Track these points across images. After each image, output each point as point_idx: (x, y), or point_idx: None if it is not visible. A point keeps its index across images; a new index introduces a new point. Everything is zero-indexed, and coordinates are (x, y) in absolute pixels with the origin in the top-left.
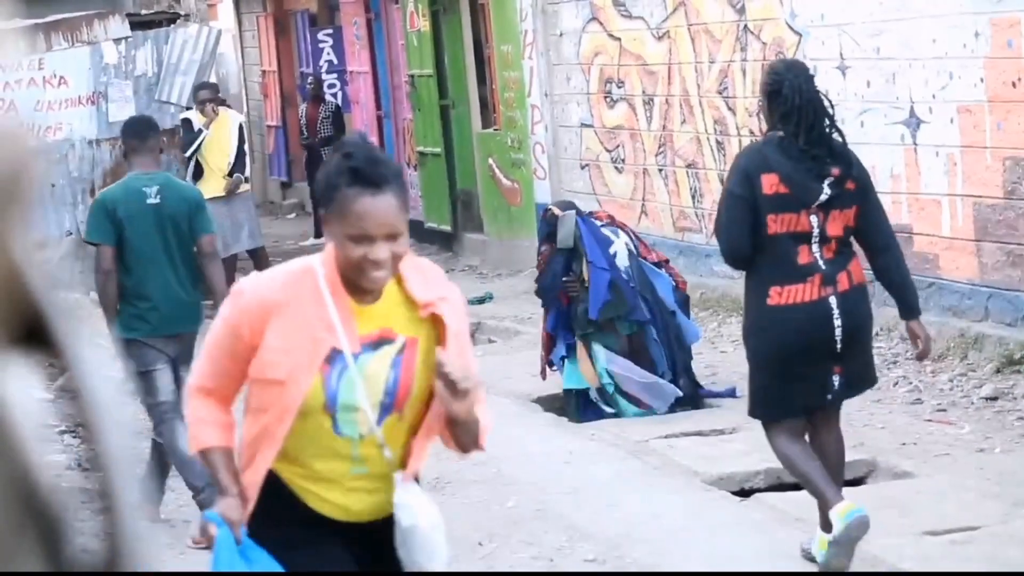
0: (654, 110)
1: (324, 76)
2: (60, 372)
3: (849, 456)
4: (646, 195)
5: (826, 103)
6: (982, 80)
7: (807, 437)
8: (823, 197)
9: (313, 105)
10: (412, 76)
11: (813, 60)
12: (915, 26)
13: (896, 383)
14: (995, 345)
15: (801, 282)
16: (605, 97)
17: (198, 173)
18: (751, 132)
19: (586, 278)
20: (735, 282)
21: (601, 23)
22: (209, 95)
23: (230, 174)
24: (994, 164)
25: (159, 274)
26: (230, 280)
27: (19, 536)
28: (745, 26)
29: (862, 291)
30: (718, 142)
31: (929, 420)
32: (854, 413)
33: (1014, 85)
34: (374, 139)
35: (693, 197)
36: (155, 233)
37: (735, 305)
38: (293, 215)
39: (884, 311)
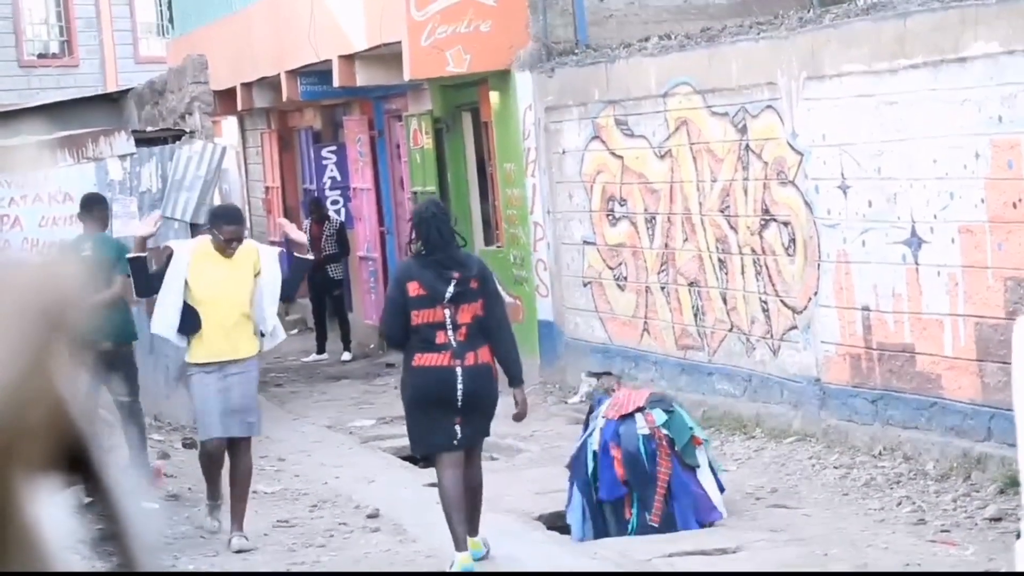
0: (656, 228)
1: (327, 192)
2: (96, 496)
3: None
4: (648, 313)
5: (454, 229)
6: (983, 201)
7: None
8: (448, 295)
9: (317, 224)
10: (415, 193)
11: (815, 179)
12: (916, 147)
13: (899, 503)
14: (998, 465)
15: (436, 353)
16: (607, 215)
17: (190, 324)
18: (753, 250)
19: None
20: (737, 400)
21: (603, 141)
22: (237, 233)
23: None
24: (995, 284)
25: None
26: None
27: None
28: (747, 145)
29: (486, 368)
30: (720, 260)
31: (933, 541)
32: (857, 534)
33: (1015, 206)
34: (376, 255)
35: (695, 315)
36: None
37: (738, 423)
38: (295, 331)
39: (887, 430)
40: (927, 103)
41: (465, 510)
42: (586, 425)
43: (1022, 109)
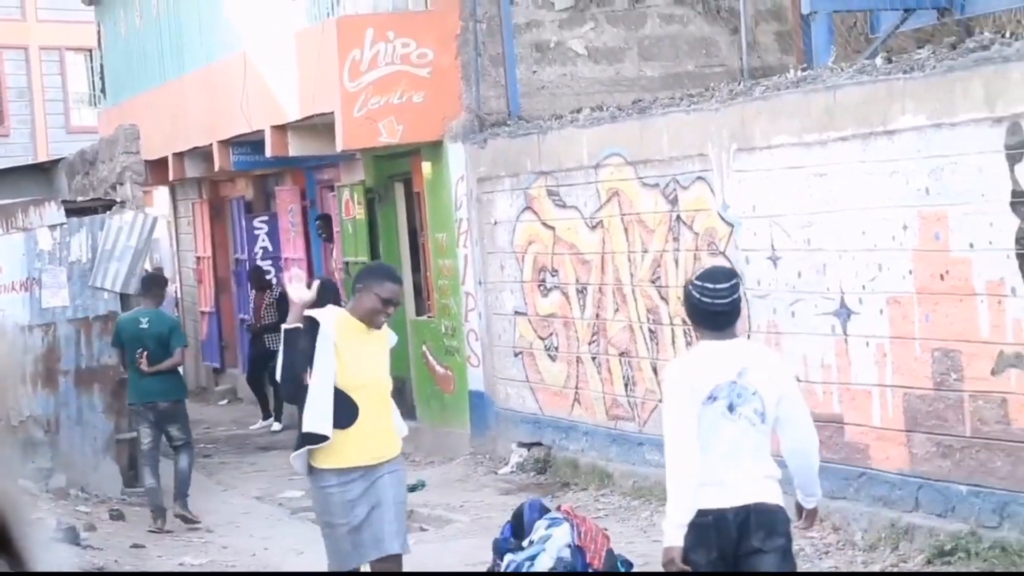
0: (587, 299)
1: (259, 262)
2: (16, 569)
3: None
4: (579, 383)
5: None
6: (911, 272)
7: None
8: None
9: (259, 293)
10: (347, 263)
11: (745, 250)
12: (845, 218)
13: None
14: (926, 536)
15: None
16: (539, 285)
17: (344, 416)
18: (684, 321)
19: None
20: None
21: (535, 212)
22: (399, 295)
23: None
24: (923, 355)
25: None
26: None
27: None
28: (678, 216)
29: None
30: (651, 331)
31: None
32: None
33: (942, 277)
34: None
35: (626, 386)
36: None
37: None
38: (225, 401)
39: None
40: (856, 175)
41: None
42: (515, 533)
43: (949, 182)
